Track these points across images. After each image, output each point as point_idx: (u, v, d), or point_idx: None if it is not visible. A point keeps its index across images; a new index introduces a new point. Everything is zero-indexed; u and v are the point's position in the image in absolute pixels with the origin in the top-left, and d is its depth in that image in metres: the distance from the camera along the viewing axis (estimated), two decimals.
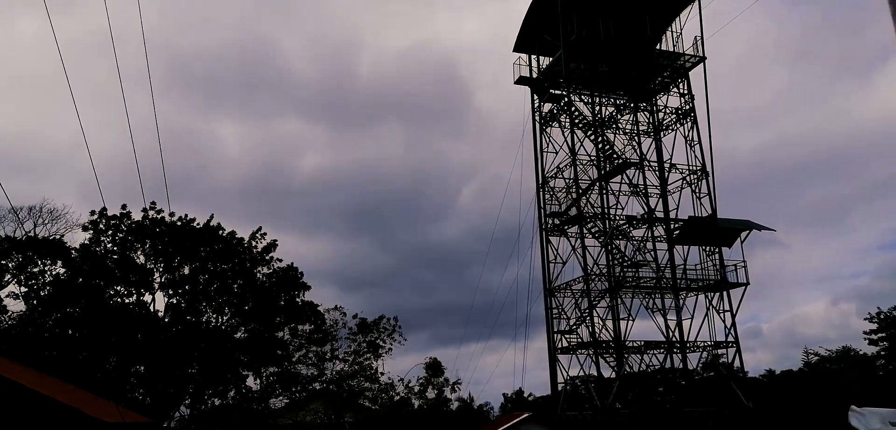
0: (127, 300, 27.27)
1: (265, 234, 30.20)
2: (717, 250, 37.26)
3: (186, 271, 28.44)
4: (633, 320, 35.80)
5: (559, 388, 36.44)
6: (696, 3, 37.55)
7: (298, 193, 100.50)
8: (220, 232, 29.46)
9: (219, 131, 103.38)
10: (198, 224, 29.32)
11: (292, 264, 30.23)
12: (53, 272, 26.70)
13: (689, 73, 38.29)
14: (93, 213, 27.70)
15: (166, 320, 27.47)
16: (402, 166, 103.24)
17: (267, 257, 29.90)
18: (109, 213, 27.65)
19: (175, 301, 27.82)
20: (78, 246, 27.49)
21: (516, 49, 38.83)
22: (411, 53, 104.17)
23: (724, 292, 37.11)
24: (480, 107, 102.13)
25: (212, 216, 29.55)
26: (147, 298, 27.73)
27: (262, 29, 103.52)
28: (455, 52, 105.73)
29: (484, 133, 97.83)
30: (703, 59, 37.56)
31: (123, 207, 27.95)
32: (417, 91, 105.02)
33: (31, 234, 28.19)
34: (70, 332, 26.24)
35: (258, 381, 29.54)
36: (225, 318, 28.79)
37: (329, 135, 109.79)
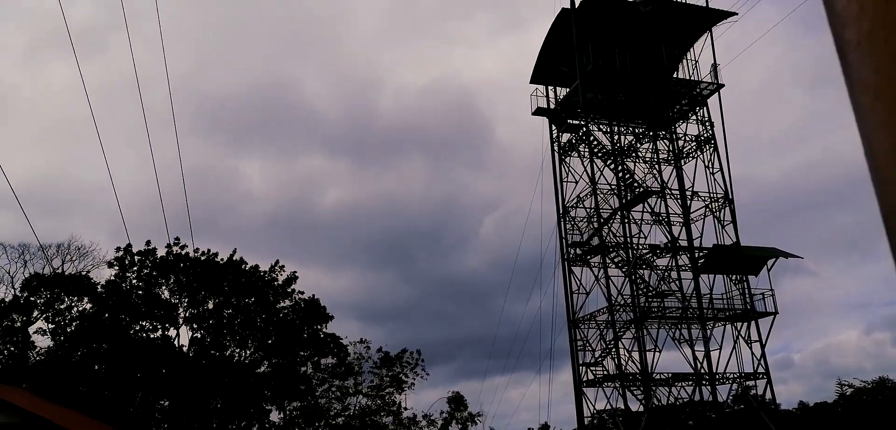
0: (152, 335, 27.42)
1: (283, 266, 30.44)
2: (743, 278, 36.62)
3: (210, 305, 28.62)
4: (660, 352, 35.12)
5: (585, 422, 35.57)
6: (709, 33, 37.83)
7: (322, 228, 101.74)
8: (243, 266, 29.70)
9: (244, 169, 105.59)
10: (221, 259, 29.62)
11: (314, 295, 30.32)
12: (80, 308, 27.01)
13: (708, 100, 38.31)
14: (118, 249, 28.16)
15: (191, 354, 27.51)
16: (424, 199, 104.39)
17: (289, 290, 30.01)
18: (135, 249, 28.12)
19: (199, 336, 27.91)
20: (104, 282, 27.85)
21: (533, 80, 39.24)
22: (431, 89, 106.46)
23: (753, 322, 36.29)
24: (500, 139, 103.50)
25: (234, 251, 29.89)
26: (172, 333, 27.88)
27: (286, 70, 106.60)
28: (473, 86, 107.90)
29: (504, 164, 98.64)
30: (719, 86, 37.62)
31: (148, 243, 28.41)
32: (438, 125, 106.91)
33: (59, 271, 28.64)
34: (96, 367, 26.37)
35: (282, 415, 29.28)
36: (248, 352, 28.78)
37: (352, 170, 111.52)
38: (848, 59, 0.45)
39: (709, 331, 36.20)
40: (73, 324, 26.72)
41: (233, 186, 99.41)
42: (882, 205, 0.43)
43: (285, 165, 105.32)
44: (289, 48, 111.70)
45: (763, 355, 35.84)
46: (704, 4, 37.58)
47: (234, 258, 29.87)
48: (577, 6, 35.95)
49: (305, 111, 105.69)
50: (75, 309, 27.01)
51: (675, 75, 38.65)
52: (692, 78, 38.15)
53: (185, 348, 27.77)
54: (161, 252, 28.40)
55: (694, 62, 38.59)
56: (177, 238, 28.24)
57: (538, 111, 38.71)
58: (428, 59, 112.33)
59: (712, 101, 38.24)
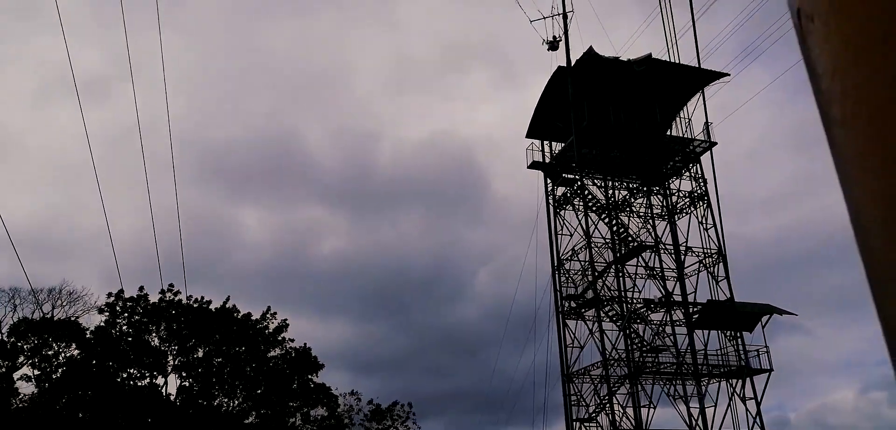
0: (140, 383, 26.96)
1: (275, 313, 30.18)
2: (738, 334, 36.52)
3: (200, 353, 28.24)
4: (655, 408, 34.73)
5: None
6: (702, 93, 38.58)
7: (317, 277, 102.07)
8: (236, 314, 29.43)
9: (243, 217, 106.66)
10: (214, 307, 29.37)
11: (305, 344, 30.00)
12: (67, 355, 26.58)
13: (701, 157, 38.83)
14: (109, 295, 27.90)
15: (178, 403, 27.00)
16: (420, 251, 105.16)
17: (279, 338, 29.69)
18: (129, 295, 27.88)
19: (188, 384, 27.44)
20: (93, 328, 27.52)
21: (529, 135, 39.74)
22: (429, 143, 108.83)
23: (748, 379, 36.04)
24: (496, 192, 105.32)
25: (227, 299, 29.67)
26: (160, 381, 27.41)
27: (288, 121, 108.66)
28: (471, 140, 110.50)
29: (500, 217, 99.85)
30: (712, 144, 38.17)
31: (141, 289, 28.19)
32: (435, 178, 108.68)
33: (49, 316, 28.30)
34: (80, 415, 25.81)
35: None
36: (237, 402, 28.28)
37: (349, 221, 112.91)
38: (833, 134, 0.46)
39: (704, 388, 35.90)
40: (60, 371, 26.26)
41: (230, 233, 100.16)
42: (869, 275, 0.44)
43: (283, 214, 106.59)
44: (292, 100, 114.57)
45: (758, 413, 35.47)
46: (697, 65, 38.41)
47: (227, 306, 29.64)
48: (573, 65, 36.69)
49: (305, 162, 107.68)
50: (62, 355, 26.60)
51: (668, 132, 39.24)
52: (685, 135, 38.73)
53: (172, 397, 27.27)
54: (154, 298, 28.19)
55: (687, 120, 39.25)
56: (171, 285, 28.10)
57: (534, 164, 39.10)
58: (427, 113, 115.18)
59: (705, 158, 38.76)
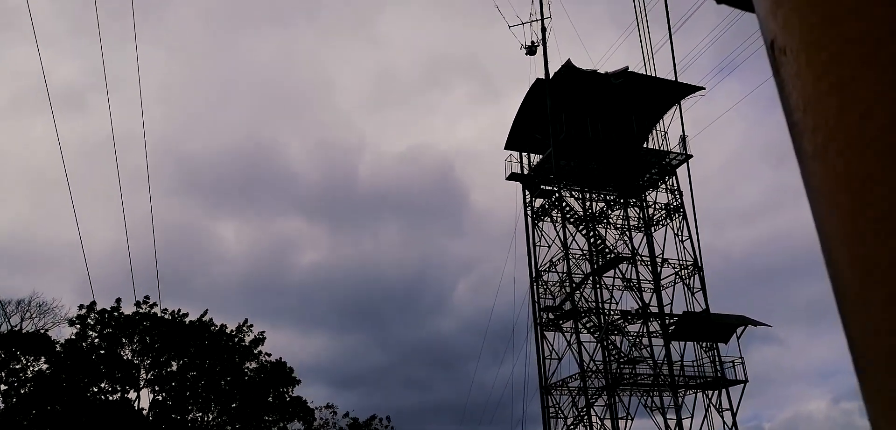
0: (111, 397, 26.43)
1: (252, 326, 29.83)
2: (713, 345, 36.93)
3: (174, 367, 27.79)
4: (632, 420, 34.93)
5: None
6: (678, 106, 39.12)
7: (295, 290, 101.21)
8: (212, 327, 29.04)
9: (220, 230, 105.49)
10: (190, 320, 28.96)
11: (281, 358, 29.68)
12: (36, 368, 25.99)
13: (677, 170, 39.32)
14: (81, 307, 27.38)
15: (150, 418, 26.52)
16: (399, 263, 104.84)
17: (256, 352, 29.35)
18: (106, 307, 27.37)
19: (161, 398, 26.98)
20: (63, 341, 26.95)
21: (508, 147, 39.94)
22: (409, 156, 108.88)
23: (724, 390, 36.43)
24: (475, 204, 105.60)
25: (205, 312, 29.27)
26: (132, 395, 26.92)
27: (267, 134, 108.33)
28: (451, 154, 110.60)
29: (479, 229, 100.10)
30: (688, 157, 38.67)
31: (118, 301, 27.70)
32: (415, 191, 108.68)
33: (17, 328, 27.67)
34: None
35: None
36: (211, 416, 27.85)
37: (329, 234, 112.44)
38: (805, 166, 0.47)
39: (680, 399, 36.20)
40: (28, 385, 25.67)
41: (208, 246, 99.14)
42: (838, 301, 0.45)
43: (261, 226, 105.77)
44: (272, 113, 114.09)
45: (734, 423, 35.84)
46: (673, 79, 38.96)
47: (204, 319, 29.24)
48: (551, 77, 37.00)
49: (285, 175, 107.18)
50: (31, 369, 26.00)
51: (645, 145, 39.69)
52: (661, 148, 39.21)
53: (144, 412, 26.78)
54: (129, 311, 27.72)
55: (663, 133, 39.75)
56: (146, 297, 27.64)
57: (512, 176, 39.29)
58: (407, 127, 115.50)
59: (681, 170, 39.26)
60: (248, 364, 29.76)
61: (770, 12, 0.50)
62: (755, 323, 37.57)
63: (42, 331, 27.90)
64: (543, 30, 37.79)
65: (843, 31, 0.43)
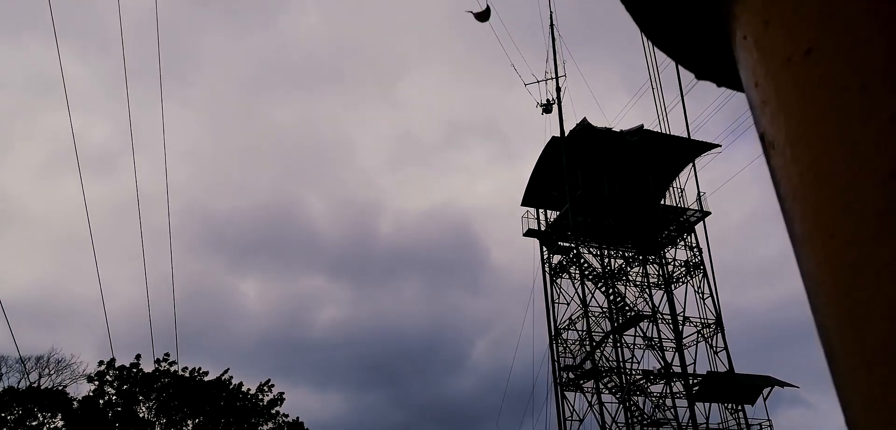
0: None
1: (273, 385, 29.47)
2: (739, 407, 35.85)
3: (190, 426, 27.42)
4: None
5: None
6: (692, 164, 39.30)
7: (315, 348, 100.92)
8: (229, 385, 28.77)
9: (243, 287, 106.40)
10: (209, 377, 28.73)
11: (298, 418, 29.17)
12: (52, 425, 25.76)
13: (697, 227, 39.15)
14: (101, 363, 27.29)
15: None
16: (418, 321, 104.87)
17: (273, 412, 28.92)
18: (126, 364, 27.24)
19: None
20: (81, 398, 26.76)
21: (524, 203, 40.12)
22: (429, 214, 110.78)
23: None
24: (494, 262, 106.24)
25: (226, 370, 29.04)
26: None
27: (290, 194, 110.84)
28: (470, 212, 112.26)
29: (498, 287, 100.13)
30: (705, 214, 38.55)
31: (137, 357, 27.61)
32: (435, 249, 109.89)
33: (35, 384, 27.57)
34: None
35: None
36: None
37: (349, 291, 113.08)
38: (796, 249, 0.50)
39: None
40: None
41: (230, 302, 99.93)
42: (826, 354, 0.49)
43: (283, 284, 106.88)
44: (295, 174, 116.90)
45: None
46: (687, 137, 39.27)
47: (223, 378, 28.99)
48: (566, 134, 37.47)
49: (307, 233, 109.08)
50: (47, 427, 25.77)
51: (662, 202, 39.70)
52: (679, 205, 39.17)
53: None
54: (149, 368, 27.60)
55: (680, 190, 39.79)
56: (166, 354, 27.54)
57: (529, 232, 39.31)
58: (427, 186, 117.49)
59: (699, 227, 39.10)
60: (263, 426, 29.30)
61: (759, 107, 0.53)
62: (782, 384, 36.52)
63: (60, 387, 27.79)
64: (558, 89, 38.53)
65: (824, 132, 0.46)
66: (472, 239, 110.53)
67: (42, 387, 27.46)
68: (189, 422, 27.51)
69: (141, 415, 27.13)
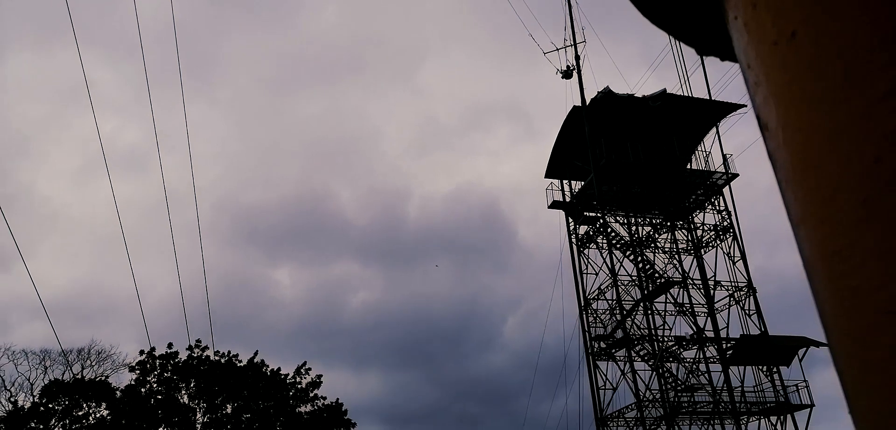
0: None
1: (310, 369, 29.93)
2: (775, 369, 35.44)
3: (229, 409, 27.98)
4: None
5: None
6: (716, 127, 38.69)
7: (350, 332, 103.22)
8: (264, 369, 29.26)
9: (276, 276, 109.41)
10: (241, 362, 29.24)
11: (337, 399, 29.59)
12: (98, 414, 26.50)
13: (725, 190, 38.60)
14: (141, 352, 27.94)
15: None
16: (449, 301, 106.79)
17: (311, 395, 29.36)
18: (162, 352, 27.91)
19: None
20: (123, 387, 27.48)
21: (548, 175, 39.90)
22: (455, 195, 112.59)
23: (788, 416, 34.76)
24: (522, 238, 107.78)
25: (256, 353, 29.53)
26: None
27: (319, 183, 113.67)
28: (496, 190, 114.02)
29: (526, 263, 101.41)
30: (733, 176, 37.98)
31: (170, 346, 28.22)
32: (462, 229, 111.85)
33: (79, 376, 28.37)
34: None
35: None
36: None
37: (380, 275, 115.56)
38: (794, 230, 0.52)
39: (743, 426, 34.65)
40: None
41: (265, 291, 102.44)
42: (826, 335, 0.50)
43: (316, 271, 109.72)
44: (323, 165, 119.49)
45: None
46: (709, 98, 38.66)
47: (255, 361, 29.49)
48: (588, 103, 37.11)
49: (337, 221, 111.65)
50: (93, 416, 26.51)
51: (688, 166, 39.18)
52: (706, 169, 38.62)
53: None
54: (183, 356, 28.20)
55: (706, 154, 39.23)
56: (198, 340, 28.11)
57: (554, 204, 39.12)
58: (452, 168, 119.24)
59: (727, 190, 38.53)
60: (302, 408, 29.78)
61: (752, 88, 0.54)
62: (817, 344, 35.96)
63: (102, 378, 28.55)
64: (577, 56, 38.13)
65: (811, 116, 0.47)
66: (499, 218, 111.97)
67: (85, 378, 28.24)
68: (228, 405, 28.08)
69: (182, 401, 27.76)
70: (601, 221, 37.00)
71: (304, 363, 29.90)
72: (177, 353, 28.07)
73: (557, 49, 38.00)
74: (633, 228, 37.86)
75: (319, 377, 29.79)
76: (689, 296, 37.20)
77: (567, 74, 37.56)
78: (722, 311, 36.87)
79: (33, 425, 25.00)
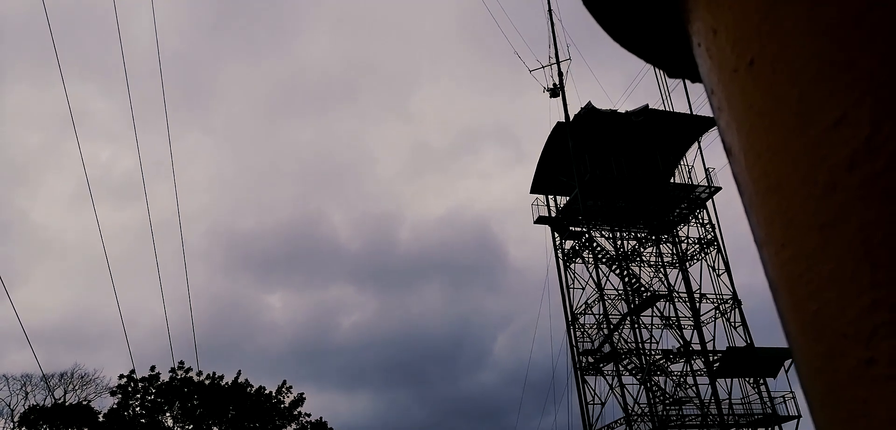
0: None
1: (290, 388, 29.65)
2: (761, 381, 35.65)
3: None
4: None
5: None
6: (698, 141, 39.25)
7: (342, 353, 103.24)
8: (248, 389, 28.93)
9: (270, 300, 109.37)
10: (226, 383, 28.90)
11: (321, 418, 29.29)
12: None
13: (708, 203, 39.04)
14: (121, 376, 27.51)
15: None
16: (441, 322, 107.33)
17: (295, 413, 29.06)
18: (144, 375, 27.51)
19: None
20: (106, 411, 27.02)
21: (533, 191, 40.15)
22: (446, 218, 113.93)
23: (776, 427, 34.94)
24: (512, 259, 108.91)
25: (239, 373, 29.23)
26: None
27: (312, 208, 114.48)
28: (485, 212, 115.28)
29: (515, 281, 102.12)
30: (715, 190, 38.44)
31: (152, 368, 27.84)
32: (453, 250, 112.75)
33: (61, 401, 27.85)
34: None
35: None
36: None
37: (372, 297, 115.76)
38: (759, 251, 0.53)
39: None
40: None
41: (259, 316, 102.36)
42: (792, 356, 0.52)
43: (309, 294, 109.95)
44: (315, 189, 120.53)
45: None
46: (690, 113, 39.23)
47: (239, 381, 29.17)
48: (571, 119, 37.50)
49: (330, 245, 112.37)
50: None
51: (671, 180, 39.62)
52: (689, 182, 39.07)
53: None
54: (166, 378, 27.81)
55: (689, 167, 39.71)
56: (181, 362, 27.76)
57: (540, 219, 39.32)
58: (444, 192, 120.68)
59: (711, 204, 38.98)
60: (287, 427, 29.45)
61: (716, 115, 0.56)
62: None
63: (84, 402, 28.06)
64: (560, 73, 38.61)
65: (769, 142, 0.48)
66: (489, 240, 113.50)
67: (67, 403, 27.74)
68: (214, 428, 27.69)
69: (168, 425, 27.33)
70: (587, 235, 37.22)
71: (285, 382, 29.66)
72: (158, 375, 27.71)
73: (542, 66, 38.50)
74: (619, 242, 38.10)
75: (301, 395, 29.56)
76: (676, 309, 37.42)
77: (554, 93, 38.06)
78: (708, 324, 37.11)
79: None
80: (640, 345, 34.91)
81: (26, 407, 26.56)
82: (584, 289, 37.81)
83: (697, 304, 37.18)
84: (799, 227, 0.45)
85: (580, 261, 38.11)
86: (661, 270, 38.35)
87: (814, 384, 0.46)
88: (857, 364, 0.41)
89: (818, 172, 0.43)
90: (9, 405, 26.85)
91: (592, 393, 35.90)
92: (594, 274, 36.63)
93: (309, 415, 29.54)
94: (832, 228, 0.42)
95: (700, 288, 37.62)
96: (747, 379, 35.86)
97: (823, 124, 0.43)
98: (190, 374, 28.21)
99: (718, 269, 37.77)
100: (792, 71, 0.45)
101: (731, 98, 0.50)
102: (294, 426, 29.19)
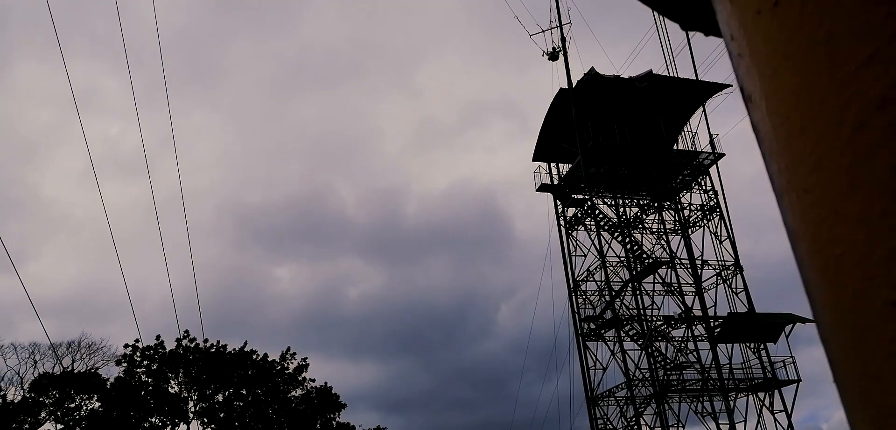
0: None
1: (295, 354, 30.02)
2: (762, 346, 35.88)
3: (220, 397, 28.05)
4: (683, 427, 33.93)
5: None
6: (703, 107, 38.84)
7: (350, 323, 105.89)
8: (254, 356, 29.31)
9: (280, 272, 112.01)
10: (231, 351, 29.27)
11: (326, 383, 29.74)
12: (89, 407, 26.51)
13: (711, 170, 38.82)
14: (126, 346, 27.90)
15: None
16: (446, 292, 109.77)
17: (300, 379, 29.48)
18: (150, 344, 27.89)
19: (210, 429, 27.21)
20: (113, 379, 27.47)
21: (535, 158, 39.97)
22: (452, 191, 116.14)
23: (776, 391, 35.25)
24: (516, 228, 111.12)
25: (245, 343, 29.59)
26: (181, 428, 27.19)
27: (320, 183, 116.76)
28: (492, 186, 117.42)
29: (520, 251, 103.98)
30: (719, 156, 38.20)
31: (158, 337, 28.21)
32: (460, 224, 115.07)
33: (69, 369, 28.33)
34: None
35: None
36: None
37: (380, 270, 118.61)
38: (779, 202, 0.53)
39: (732, 403, 35.10)
40: (82, 423, 26.14)
41: (269, 288, 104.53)
42: (811, 306, 0.51)
43: (317, 267, 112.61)
44: (323, 165, 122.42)
45: (790, 425, 34.56)
46: (696, 78, 38.76)
47: (245, 349, 29.54)
48: (574, 85, 37.14)
49: (338, 219, 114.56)
50: (84, 408, 26.53)
51: (675, 147, 39.36)
52: (692, 149, 38.81)
53: None
54: (172, 346, 28.21)
55: (693, 134, 39.41)
56: (186, 331, 28.11)
57: (542, 187, 39.22)
58: (450, 166, 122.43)
59: (714, 171, 38.76)
60: (292, 392, 29.90)
61: (736, 60, 0.55)
62: (803, 320, 36.40)
63: (93, 370, 28.53)
64: (563, 37, 38.11)
65: (795, 85, 0.47)
66: (495, 211, 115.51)
67: (75, 371, 28.21)
68: (219, 394, 28.15)
69: (173, 391, 27.80)
70: (589, 202, 37.16)
71: (289, 348, 30.01)
72: (163, 344, 28.10)
73: (543, 31, 37.98)
74: (621, 209, 38.05)
75: (305, 360, 29.97)
76: (677, 276, 37.51)
77: (553, 56, 37.56)
78: (709, 290, 37.23)
79: (22, 418, 24.99)
80: (642, 311, 35.11)
81: (36, 375, 27.06)
82: (585, 256, 37.90)
83: (699, 270, 37.27)
84: (825, 169, 0.45)
85: (582, 228, 38.13)
86: (664, 236, 38.36)
87: (837, 332, 0.46)
88: (883, 305, 0.41)
89: (847, 112, 0.43)
90: (18, 374, 27.38)
91: (594, 359, 36.27)
92: (596, 241, 36.68)
93: (314, 380, 30.00)
94: (860, 168, 0.42)
95: (702, 254, 37.68)
96: (748, 344, 36.11)
97: (854, 63, 0.42)
98: (195, 342, 28.59)
99: (721, 235, 37.77)
100: (821, 8, 0.44)
101: (753, 42, 0.50)
102: (299, 391, 29.63)
